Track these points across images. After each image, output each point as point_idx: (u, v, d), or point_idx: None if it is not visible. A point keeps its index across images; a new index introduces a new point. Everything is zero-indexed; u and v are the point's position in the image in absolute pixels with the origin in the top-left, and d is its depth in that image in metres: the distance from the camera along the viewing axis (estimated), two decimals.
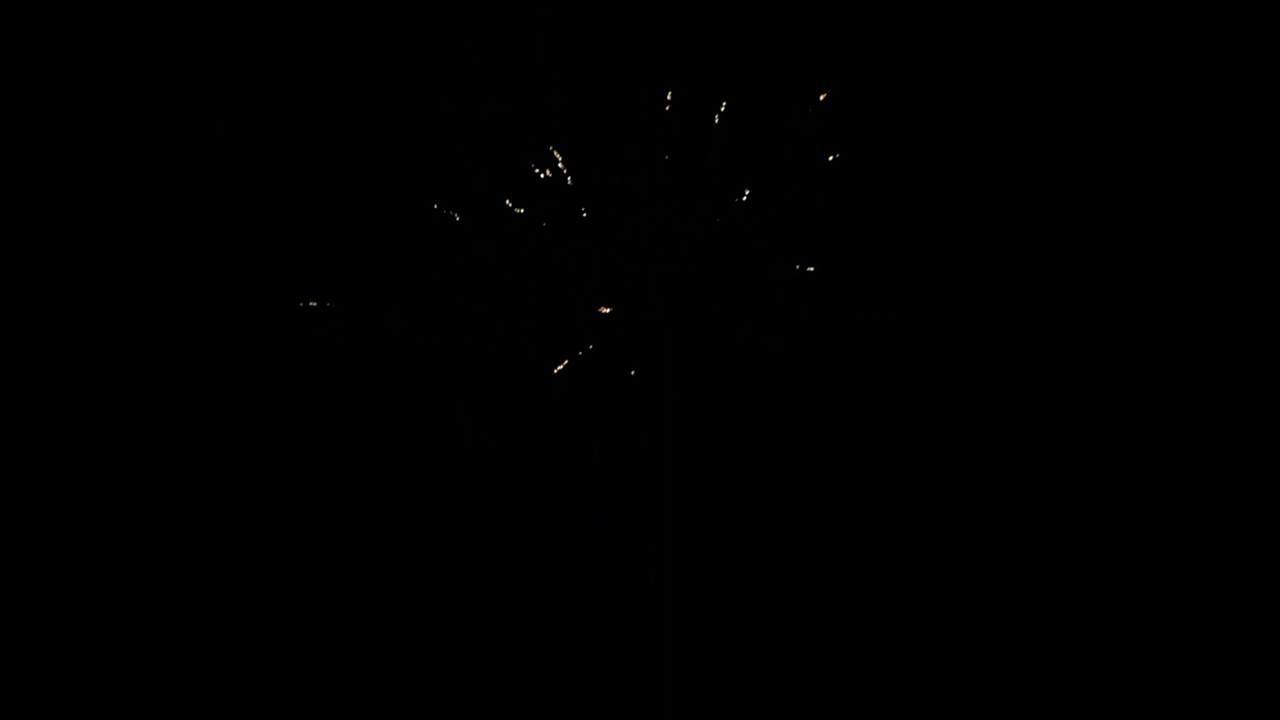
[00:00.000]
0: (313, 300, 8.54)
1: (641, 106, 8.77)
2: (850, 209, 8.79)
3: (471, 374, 8.78)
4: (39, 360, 8.64)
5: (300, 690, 8.59)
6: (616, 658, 8.70)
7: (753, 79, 8.82)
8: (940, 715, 8.59)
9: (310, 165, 8.81)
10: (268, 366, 8.75)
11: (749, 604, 8.75)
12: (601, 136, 8.79)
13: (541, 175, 8.72)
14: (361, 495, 8.74)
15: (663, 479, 8.80)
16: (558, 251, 8.79)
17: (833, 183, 8.80)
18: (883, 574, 8.71)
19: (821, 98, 8.53)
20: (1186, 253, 8.75)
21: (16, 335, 8.63)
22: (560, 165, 8.56)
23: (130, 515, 8.63)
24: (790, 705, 8.66)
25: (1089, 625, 8.61)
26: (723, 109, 8.73)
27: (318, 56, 8.82)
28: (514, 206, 8.76)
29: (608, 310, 8.75)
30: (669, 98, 8.74)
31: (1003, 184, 8.81)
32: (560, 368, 8.81)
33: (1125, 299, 8.77)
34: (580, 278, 8.78)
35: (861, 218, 8.80)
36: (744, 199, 8.74)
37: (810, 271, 8.70)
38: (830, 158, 8.73)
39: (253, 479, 8.70)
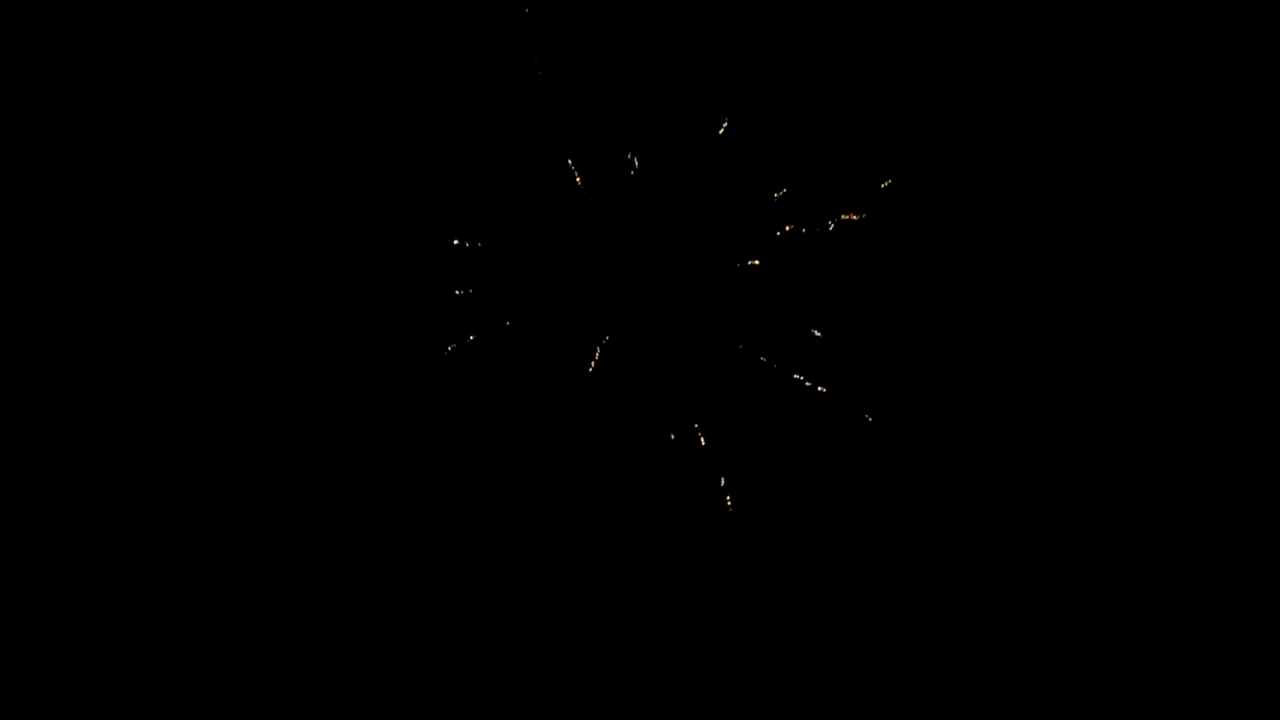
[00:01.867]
0: (306, 295, 8.51)
1: (641, 106, 8.79)
2: (850, 210, 8.81)
3: (470, 374, 8.78)
4: (38, 360, 8.61)
5: (300, 690, 8.58)
6: (622, 657, 8.70)
7: (752, 79, 8.83)
8: (940, 715, 8.60)
9: (309, 166, 8.80)
10: (266, 366, 8.74)
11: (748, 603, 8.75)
12: (601, 136, 8.80)
13: (542, 176, 8.72)
14: (361, 497, 8.73)
15: (665, 479, 8.80)
16: (558, 252, 8.79)
17: (832, 183, 8.82)
18: (887, 574, 8.73)
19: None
20: (1186, 254, 8.79)
21: (16, 335, 8.61)
22: (567, 165, 8.56)
23: (128, 515, 8.60)
24: (790, 704, 8.68)
25: (1091, 626, 8.63)
26: (726, 111, 8.75)
27: (318, 56, 8.82)
28: (513, 207, 8.76)
29: (608, 311, 8.75)
30: (671, 97, 8.76)
31: (1004, 185, 8.83)
32: (560, 369, 8.80)
33: (1126, 301, 8.81)
34: (581, 279, 8.78)
35: (862, 218, 8.82)
36: (745, 199, 8.76)
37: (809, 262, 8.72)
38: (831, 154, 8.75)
39: (253, 481, 8.68)
